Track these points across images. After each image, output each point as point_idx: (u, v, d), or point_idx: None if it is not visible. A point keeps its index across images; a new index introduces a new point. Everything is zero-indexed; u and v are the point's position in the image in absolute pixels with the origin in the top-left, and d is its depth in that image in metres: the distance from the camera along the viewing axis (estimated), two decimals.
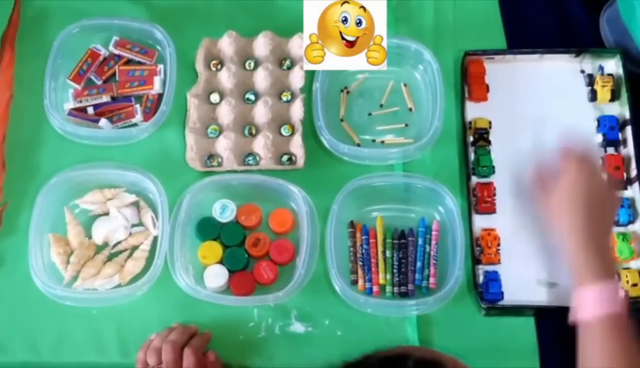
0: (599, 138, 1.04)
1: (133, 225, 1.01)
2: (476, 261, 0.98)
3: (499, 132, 1.04)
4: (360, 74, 1.08)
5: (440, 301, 0.94)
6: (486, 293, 0.95)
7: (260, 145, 1.03)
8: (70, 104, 1.06)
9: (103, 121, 1.04)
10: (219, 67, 1.09)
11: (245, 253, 0.98)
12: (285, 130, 1.05)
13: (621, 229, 0.99)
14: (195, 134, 1.04)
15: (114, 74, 1.09)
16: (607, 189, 0.93)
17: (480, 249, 0.98)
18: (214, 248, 0.98)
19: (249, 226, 1.00)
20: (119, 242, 1.00)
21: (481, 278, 0.97)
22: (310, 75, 1.05)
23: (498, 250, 0.98)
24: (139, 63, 1.09)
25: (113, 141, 1.04)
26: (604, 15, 1.11)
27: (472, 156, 1.03)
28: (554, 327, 0.95)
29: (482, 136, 1.04)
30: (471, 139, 1.04)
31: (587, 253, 0.85)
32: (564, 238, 0.88)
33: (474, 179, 1.02)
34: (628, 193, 1.01)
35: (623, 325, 0.81)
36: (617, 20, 1.07)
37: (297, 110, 1.05)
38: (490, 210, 1.00)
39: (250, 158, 1.04)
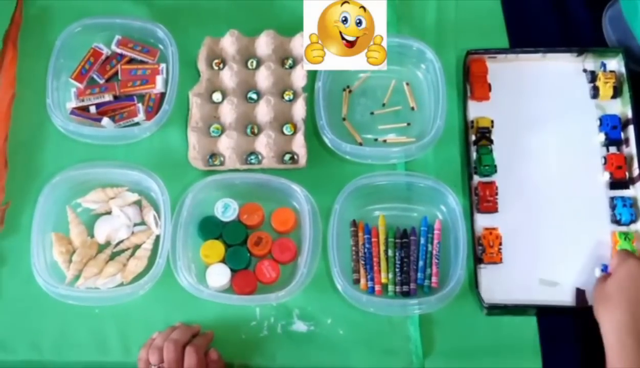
0: (601, 137, 1.04)
1: (135, 224, 1.01)
2: (478, 260, 0.98)
3: (501, 131, 1.04)
4: (363, 73, 1.08)
5: (442, 300, 0.93)
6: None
7: (263, 144, 1.03)
8: (72, 103, 1.06)
9: (105, 120, 1.04)
10: (221, 66, 1.09)
11: (248, 252, 0.99)
12: (287, 129, 1.05)
13: (623, 228, 0.99)
14: (197, 133, 1.04)
15: (116, 73, 1.09)
16: None
17: (482, 248, 0.98)
18: (216, 248, 0.98)
19: (251, 225, 1.00)
20: (121, 241, 1.00)
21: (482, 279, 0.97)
22: (312, 75, 1.05)
23: (500, 249, 0.98)
24: (142, 62, 1.09)
25: (115, 140, 1.04)
26: (607, 15, 1.11)
27: (474, 155, 1.03)
28: (556, 326, 0.95)
29: (484, 135, 1.04)
30: (473, 138, 1.04)
31: (628, 352, 0.84)
32: (607, 332, 0.87)
33: (476, 178, 1.02)
34: (630, 192, 1.01)
35: None
36: (620, 19, 1.07)
37: (299, 109, 1.05)
38: (492, 209, 1.00)
39: (252, 157, 1.04)
